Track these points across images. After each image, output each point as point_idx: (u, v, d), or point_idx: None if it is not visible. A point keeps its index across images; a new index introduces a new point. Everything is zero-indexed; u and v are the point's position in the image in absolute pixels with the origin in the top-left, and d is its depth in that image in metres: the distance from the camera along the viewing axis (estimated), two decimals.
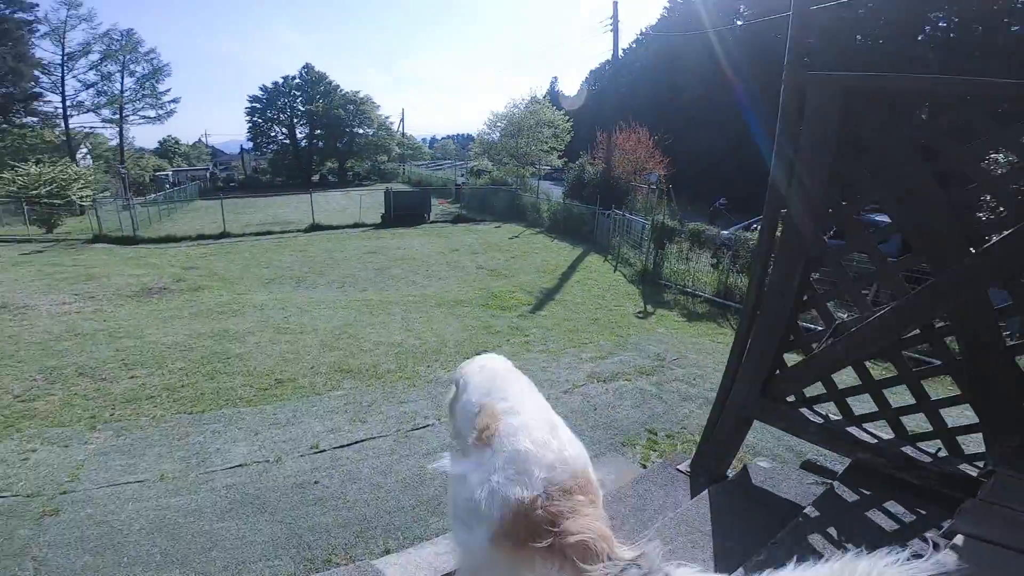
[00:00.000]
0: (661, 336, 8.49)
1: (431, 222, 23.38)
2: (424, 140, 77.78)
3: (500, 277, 13.10)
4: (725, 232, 11.05)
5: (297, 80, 57.71)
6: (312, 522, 3.46)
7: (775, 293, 2.80)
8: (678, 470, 3.31)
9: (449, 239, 18.93)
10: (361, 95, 56.60)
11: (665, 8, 39.60)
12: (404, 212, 22.60)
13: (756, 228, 10.98)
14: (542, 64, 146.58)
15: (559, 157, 30.37)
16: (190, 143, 60.41)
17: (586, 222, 18.63)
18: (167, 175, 43.62)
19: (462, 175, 39.53)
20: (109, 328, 8.13)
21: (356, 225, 22.37)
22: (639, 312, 10.08)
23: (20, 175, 22.08)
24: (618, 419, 5.11)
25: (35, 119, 37.91)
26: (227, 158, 64.77)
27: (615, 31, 19.51)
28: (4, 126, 33.45)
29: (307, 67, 57.98)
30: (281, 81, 57.61)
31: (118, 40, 41.40)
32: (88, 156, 38.41)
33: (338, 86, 57.46)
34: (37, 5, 37.07)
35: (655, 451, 4.46)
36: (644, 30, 43.40)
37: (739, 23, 31.59)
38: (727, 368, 3.07)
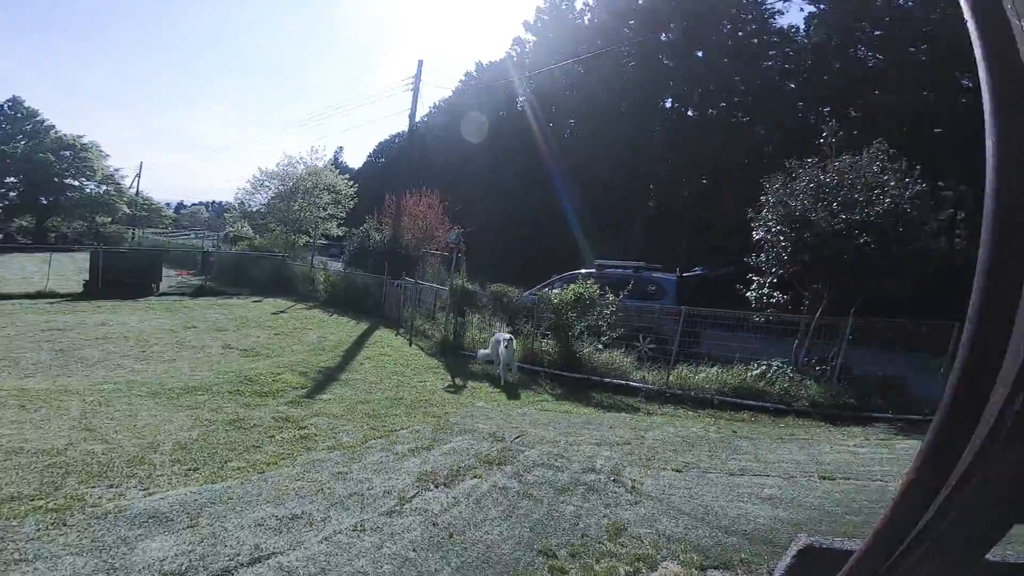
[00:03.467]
0: (484, 411, 6.96)
1: (161, 294, 18.19)
2: (169, 206, 65.14)
3: (258, 358, 10.04)
4: (527, 294, 10.48)
5: None
6: None
7: None
8: None
9: (185, 314, 14.62)
10: (85, 140, 45.10)
11: (460, 81, 42.31)
12: (120, 280, 17.07)
13: (558, 287, 10.79)
14: (327, 133, 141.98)
15: (338, 226, 27.70)
16: None
17: (372, 293, 16.59)
18: None
19: (213, 244, 33.24)
20: None
21: (41, 295, 15.98)
22: (449, 387, 8.43)
23: None
24: (492, 545, 3.27)
25: None
26: None
27: (415, 92, 18.95)
28: None
29: (13, 100, 44.26)
30: None
31: None
32: None
33: (52, 126, 44.91)
34: None
35: None
36: (437, 103, 45.36)
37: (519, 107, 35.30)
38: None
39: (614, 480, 4.70)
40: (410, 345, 11.68)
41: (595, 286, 9.10)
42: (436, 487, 4.25)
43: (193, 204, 73.66)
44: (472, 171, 37.46)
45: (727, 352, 8.87)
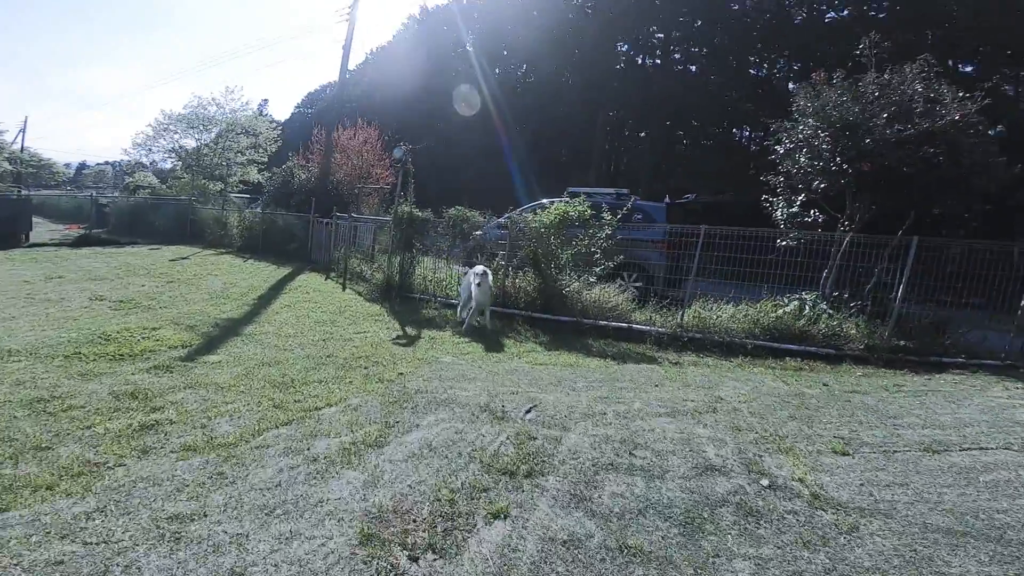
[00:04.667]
0: (458, 368, 4.89)
1: (32, 244, 14.57)
2: (70, 166, 56.04)
3: (135, 311, 7.41)
4: (494, 221, 8.23)
5: None
6: None
7: None
8: None
9: (54, 265, 11.43)
10: None
11: (403, 24, 38.14)
12: None
13: (538, 210, 8.64)
14: (249, 83, 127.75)
15: (259, 172, 23.90)
16: None
17: (296, 236, 13.82)
18: None
19: (108, 199, 28.30)
20: None
21: None
22: (399, 337, 6.23)
23: None
24: None
25: None
26: None
27: (351, 23, 15.35)
28: None
29: None
30: None
31: None
32: None
33: None
34: None
35: None
36: (375, 49, 40.87)
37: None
38: None
39: (769, 486, 2.80)
40: (344, 290, 9.27)
41: (587, 208, 7.04)
42: (415, 564, 2.11)
43: (98, 164, 63.96)
44: (412, 118, 34.04)
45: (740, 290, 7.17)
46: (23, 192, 29.09)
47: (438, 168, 28.52)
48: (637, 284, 8.47)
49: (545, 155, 31.55)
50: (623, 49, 32.18)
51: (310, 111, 50.17)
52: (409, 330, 6.71)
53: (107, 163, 60.06)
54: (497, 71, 34.52)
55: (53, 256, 12.76)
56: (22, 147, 43.29)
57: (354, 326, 6.73)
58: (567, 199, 7.98)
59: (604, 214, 7.18)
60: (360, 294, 8.91)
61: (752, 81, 27.87)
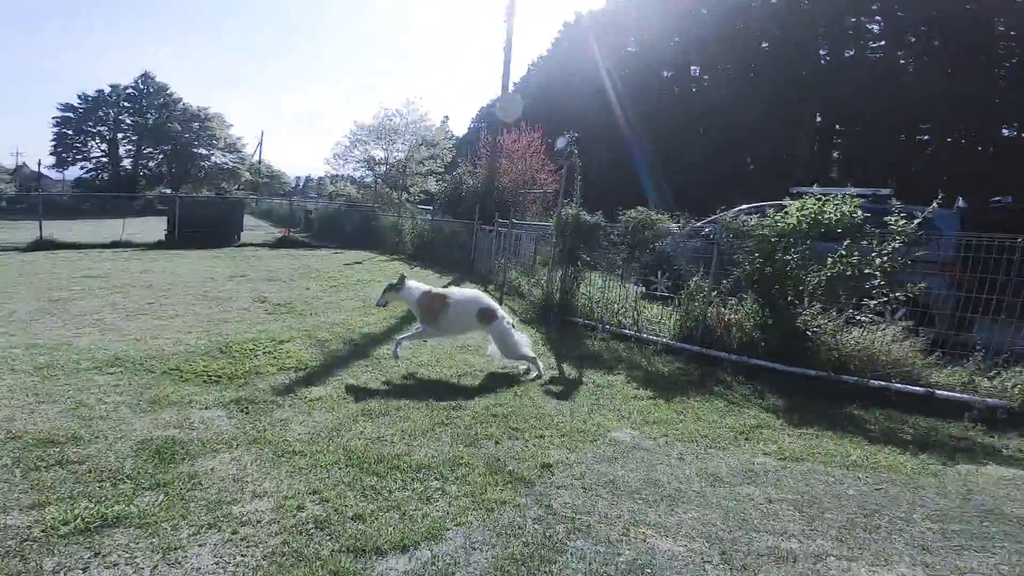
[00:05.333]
0: (646, 464, 2.93)
1: (240, 244, 16.36)
2: (298, 179, 67.48)
3: (286, 315, 6.97)
4: (698, 224, 5.97)
5: (130, 90, 47.02)
6: None
7: None
8: None
9: (245, 263, 12.28)
10: (210, 111, 47.28)
11: (554, 39, 37.81)
12: (197, 229, 15.43)
13: (758, 214, 6.22)
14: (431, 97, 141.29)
15: (437, 182, 24.77)
16: None
17: (461, 243, 13.14)
18: None
19: (314, 206, 32.25)
20: None
21: (117, 245, 14.72)
22: (553, 382, 4.49)
23: None
24: None
25: None
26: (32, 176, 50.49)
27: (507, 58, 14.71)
28: None
29: (145, 76, 47.68)
30: (108, 90, 46.58)
31: None
32: None
33: (180, 99, 47.71)
34: None
35: None
36: (535, 60, 41.20)
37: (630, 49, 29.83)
38: None
39: None
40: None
41: (856, 207, 4.49)
42: None
43: (319, 177, 75.95)
44: (582, 122, 32.90)
45: None
46: (246, 195, 34.58)
47: (608, 180, 26.68)
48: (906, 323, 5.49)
49: (727, 161, 27.57)
50: (835, 38, 26.73)
51: (483, 125, 52.64)
52: (568, 369, 4.93)
53: (327, 175, 70.31)
54: (668, 73, 31.41)
55: (250, 256, 13.92)
56: (259, 159, 52.38)
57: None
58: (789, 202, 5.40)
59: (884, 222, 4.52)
60: (515, 312, 7.43)
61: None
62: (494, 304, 4.90)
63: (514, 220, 10.23)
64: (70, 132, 46.19)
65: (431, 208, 26.97)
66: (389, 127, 24.05)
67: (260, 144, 47.87)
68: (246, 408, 3.38)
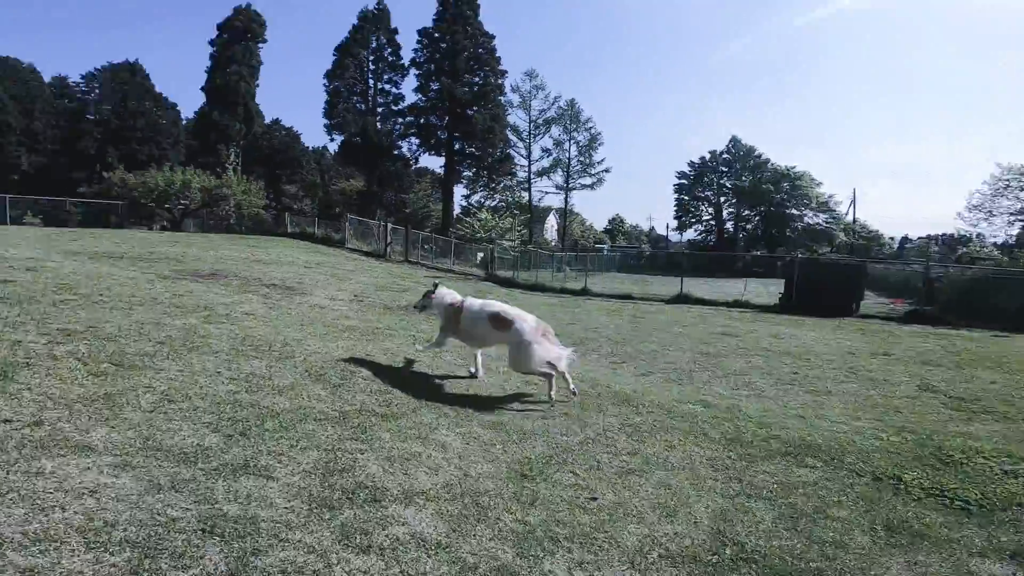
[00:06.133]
0: None
1: (861, 315, 14.93)
2: (893, 239, 59.09)
3: (977, 414, 5.40)
4: None
5: (725, 155, 55.22)
6: None
7: None
8: None
9: (880, 339, 10.90)
10: (796, 170, 48.59)
11: None
12: (815, 293, 15.24)
13: None
14: None
15: None
16: (633, 223, 66.80)
17: None
18: (604, 247, 47.79)
19: (938, 272, 25.94)
20: None
21: (737, 304, 16.57)
22: None
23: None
24: None
25: (507, 178, 43.99)
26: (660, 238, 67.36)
27: None
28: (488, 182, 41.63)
29: (734, 140, 54.81)
30: (708, 156, 56.39)
31: (565, 109, 46.43)
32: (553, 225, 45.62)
33: (768, 160, 51.52)
34: (506, 72, 41.81)
35: None
36: None
37: None
38: None
39: None
40: None
41: None
42: None
43: (919, 238, 62.77)
44: None
45: None
46: (863, 260, 31.86)
47: None
48: None
49: None
50: None
51: None
52: None
53: (928, 236, 57.42)
54: None
55: (879, 330, 12.34)
56: (853, 218, 48.02)
57: None
58: None
59: None
60: None
61: None
62: (513, 311, 4.46)
63: None
64: (686, 198, 57.57)
65: None
66: None
67: (853, 202, 44.38)
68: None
